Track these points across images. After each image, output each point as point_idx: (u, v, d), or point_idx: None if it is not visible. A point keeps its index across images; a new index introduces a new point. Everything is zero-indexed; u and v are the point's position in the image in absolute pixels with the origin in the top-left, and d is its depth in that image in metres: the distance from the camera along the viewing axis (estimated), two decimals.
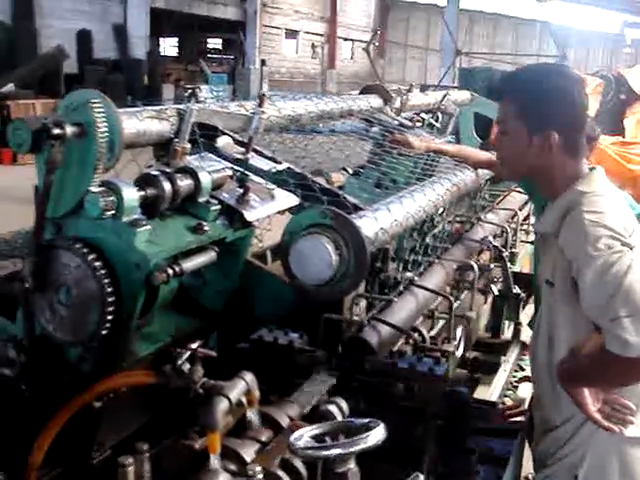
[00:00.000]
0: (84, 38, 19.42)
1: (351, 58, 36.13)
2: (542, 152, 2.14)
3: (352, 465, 1.49)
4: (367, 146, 3.82)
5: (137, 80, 19.46)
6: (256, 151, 2.49)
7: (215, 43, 33.51)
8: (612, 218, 2.04)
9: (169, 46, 31.06)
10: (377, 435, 1.48)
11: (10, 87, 15.51)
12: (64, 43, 17.62)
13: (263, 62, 26.24)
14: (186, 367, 1.79)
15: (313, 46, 33.41)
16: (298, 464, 1.61)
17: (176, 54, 30.62)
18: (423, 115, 4.16)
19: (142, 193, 1.88)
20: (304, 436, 1.51)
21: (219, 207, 2.11)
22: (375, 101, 4.17)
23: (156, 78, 20.85)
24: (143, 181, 1.93)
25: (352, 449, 1.47)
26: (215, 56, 31.72)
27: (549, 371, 2.26)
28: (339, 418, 1.82)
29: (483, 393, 3.17)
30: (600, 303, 1.97)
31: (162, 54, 27.28)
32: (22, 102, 15.01)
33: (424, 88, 11.06)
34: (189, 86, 2.73)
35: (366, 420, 1.54)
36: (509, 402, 3.08)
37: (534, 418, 2.43)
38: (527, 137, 2.15)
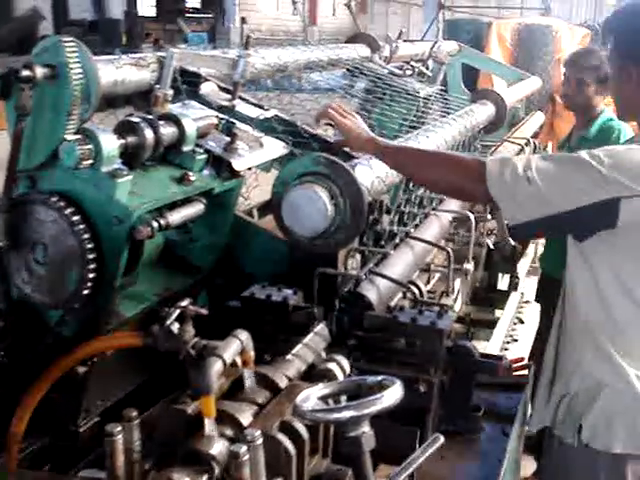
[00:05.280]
0: None
1: (333, 14, 35.52)
2: (629, 85, 2.14)
3: (366, 428, 1.34)
4: (352, 103, 3.67)
5: (115, 40, 19.10)
6: (242, 98, 2.35)
7: (194, 1, 32.81)
8: None
9: (147, 5, 30.41)
10: (393, 394, 1.33)
11: None
12: (39, 4, 17.22)
13: (243, 20, 25.73)
14: (175, 327, 1.66)
15: (294, 2, 32.78)
16: (299, 426, 1.48)
17: (154, 14, 29.99)
18: (413, 64, 4.00)
19: (122, 141, 1.73)
20: (311, 397, 1.37)
21: (205, 156, 1.98)
22: (363, 50, 4.01)
23: (134, 38, 20.45)
24: (123, 128, 1.78)
25: (366, 411, 1.31)
26: (194, 15, 31.05)
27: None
28: (340, 377, 1.70)
29: (482, 347, 3.08)
30: None
31: (140, 14, 26.71)
32: None
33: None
34: (168, 46, 2.59)
35: (379, 378, 1.40)
36: (510, 356, 2.98)
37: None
38: (617, 70, 2.18)
